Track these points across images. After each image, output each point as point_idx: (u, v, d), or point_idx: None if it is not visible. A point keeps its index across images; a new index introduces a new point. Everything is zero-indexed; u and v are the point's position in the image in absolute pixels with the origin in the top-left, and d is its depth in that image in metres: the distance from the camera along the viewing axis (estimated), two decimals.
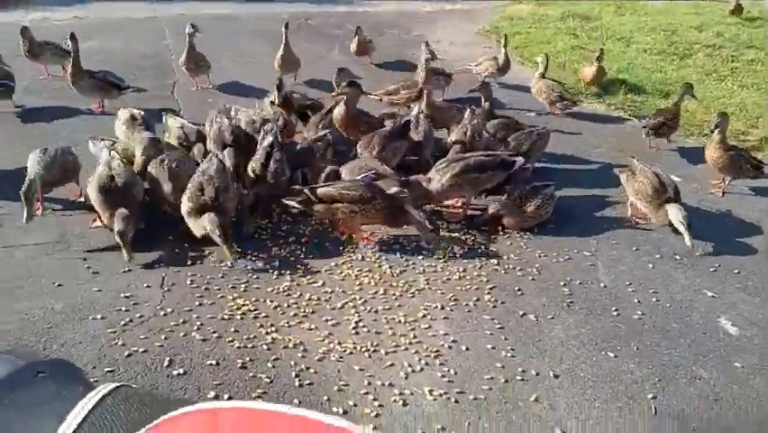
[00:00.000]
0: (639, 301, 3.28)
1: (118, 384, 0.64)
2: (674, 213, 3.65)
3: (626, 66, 7.07)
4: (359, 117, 4.56)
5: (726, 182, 4.51)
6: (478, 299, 3.22)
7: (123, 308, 3.00)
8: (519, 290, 3.32)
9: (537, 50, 7.64)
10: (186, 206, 3.42)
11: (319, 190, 3.62)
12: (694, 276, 3.52)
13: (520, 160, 4.06)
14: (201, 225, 3.33)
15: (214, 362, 2.70)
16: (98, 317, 2.94)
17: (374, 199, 3.52)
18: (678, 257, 3.68)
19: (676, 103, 5.23)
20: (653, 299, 3.30)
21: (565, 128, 5.54)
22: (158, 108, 5.09)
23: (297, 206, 3.67)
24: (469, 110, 4.63)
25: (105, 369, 2.62)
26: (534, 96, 5.82)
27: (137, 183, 3.61)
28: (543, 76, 5.84)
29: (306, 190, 3.64)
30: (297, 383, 2.61)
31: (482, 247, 3.70)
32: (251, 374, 2.65)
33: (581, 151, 5.12)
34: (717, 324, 3.14)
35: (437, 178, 3.87)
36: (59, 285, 3.15)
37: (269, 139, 3.93)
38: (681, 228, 3.59)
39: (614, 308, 3.21)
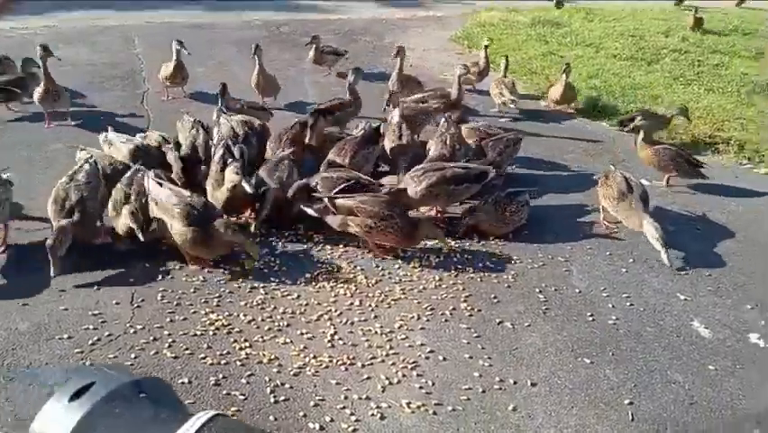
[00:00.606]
0: (613, 306, 3.30)
1: (214, 413, 0.63)
2: (651, 231, 3.64)
3: (595, 71, 7.17)
4: (326, 142, 4.48)
5: (666, 179, 4.61)
6: (454, 308, 3.20)
7: (91, 327, 2.91)
8: (495, 297, 3.31)
9: (511, 59, 7.73)
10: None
11: (338, 201, 3.58)
12: (666, 280, 3.55)
13: (492, 171, 4.06)
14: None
15: (186, 380, 2.62)
16: (65, 336, 2.84)
17: (392, 218, 3.47)
18: (650, 261, 3.71)
19: (669, 117, 5.37)
20: (628, 304, 3.32)
21: (537, 132, 5.59)
22: (125, 117, 4.99)
23: (314, 213, 3.63)
24: (444, 118, 4.62)
25: None
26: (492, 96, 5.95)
27: (94, 198, 3.49)
28: (504, 77, 5.98)
29: (325, 199, 3.60)
30: (272, 399, 2.55)
31: (457, 255, 3.68)
32: (224, 392, 2.58)
33: (553, 156, 5.16)
34: (690, 327, 3.17)
35: (412, 185, 3.85)
36: (23, 304, 3.04)
37: (220, 152, 3.88)
38: (658, 246, 3.59)
39: (589, 314, 3.22)
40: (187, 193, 3.47)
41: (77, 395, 0.64)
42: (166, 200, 3.37)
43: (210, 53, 7.42)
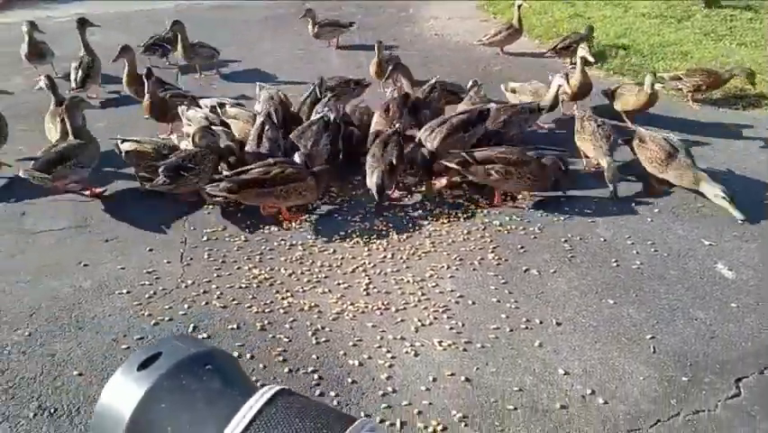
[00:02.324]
0: (638, 252, 3.42)
1: (279, 388, 0.63)
2: (711, 191, 3.65)
3: (623, 31, 7.13)
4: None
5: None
6: (482, 258, 3.38)
7: (147, 283, 3.19)
8: (522, 247, 3.48)
9: (536, 21, 7.75)
10: None
11: (477, 153, 3.82)
12: (692, 227, 3.65)
13: (492, 106, 4.24)
14: None
15: (234, 326, 2.88)
16: (124, 291, 3.13)
17: (529, 164, 3.74)
18: (676, 210, 3.81)
19: (725, 75, 5.19)
20: (652, 250, 3.44)
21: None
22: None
23: (454, 166, 3.84)
24: (472, 82, 4.79)
25: (135, 337, 2.82)
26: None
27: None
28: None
29: (463, 153, 3.83)
30: (314, 341, 2.79)
31: (485, 211, 3.85)
32: (270, 336, 2.83)
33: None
34: (713, 269, 3.27)
35: (428, 143, 4.02)
36: (84, 265, 3.34)
37: (261, 119, 4.09)
38: (724, 203, 3.61)
39: (613, 260, 3.36)
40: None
41: (143, 366, 0.64)
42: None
43: (239, 32, 7.64)
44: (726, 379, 2.58)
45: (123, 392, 0.64)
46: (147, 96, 4.55)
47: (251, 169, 3.64)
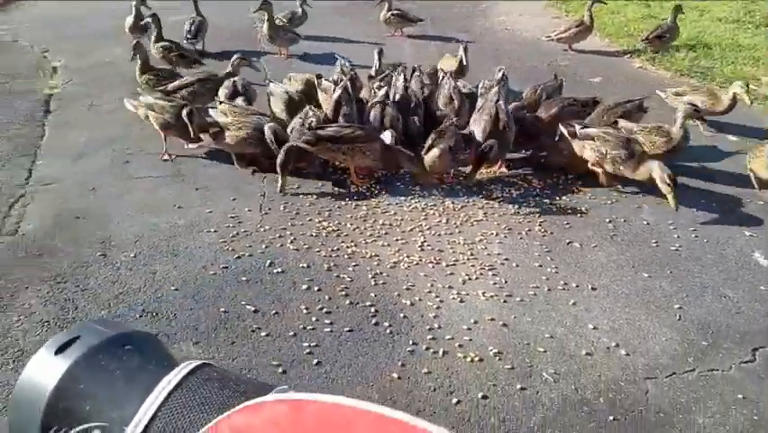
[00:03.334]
0: (678, 237, 3.71)
1: (201, 362, 0.66)
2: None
3: (696, 33, 7.24)
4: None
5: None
6: (529, 230, 3.75)
7: (231, 225, 3.74)
8: (568, 224, 3.82)
9: (608, 20, 7.94)
10: None
11: (581, 130, 4.19)
12: (736, 219, 3.88)
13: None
14: None
15: (305, 265, 3.38)
16: (212, 230, 3.69)
17: (625, 148, 3.98)
18: (723, 204, 4.04)
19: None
20: (692, 236, 3.71)
21: (630, 95, 5.87)
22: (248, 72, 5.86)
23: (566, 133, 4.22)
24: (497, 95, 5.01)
25: (221, 266, 3.36)
26: None
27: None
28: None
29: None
30: (372, 283, 3.26)
31: (537, 190, 4.20)
32: (335, 275, 3.32)
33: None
34: (750, 257, 3.52)
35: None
36: (179, 207, 3.93)
37: (339, 92, 4.55)
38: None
39: (653, 241, 3.66)
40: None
41: (62, 349, 0.65)
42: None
43: (317, 16, 8.20)
44: (744, 347, 2.87)
45: (40, 376, 0.65)
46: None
47: (329, 127, 4.15)
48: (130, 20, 6.44)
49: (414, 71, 5.18)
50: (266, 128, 4.19)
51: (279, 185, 4.01)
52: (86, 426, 0.63)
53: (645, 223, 3.84)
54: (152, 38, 5.99)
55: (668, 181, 3.76)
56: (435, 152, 4.07)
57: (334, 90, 4.62)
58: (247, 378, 0.67)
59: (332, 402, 0.57)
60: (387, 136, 4.25)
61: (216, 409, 0.60)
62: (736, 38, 7.17)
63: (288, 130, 4.36)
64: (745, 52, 6.70)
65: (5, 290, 3.12)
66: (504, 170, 4.42)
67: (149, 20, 6.21)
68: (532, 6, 8.95)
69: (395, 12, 7.33)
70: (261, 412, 0.58)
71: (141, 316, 2.98)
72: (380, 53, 5.42)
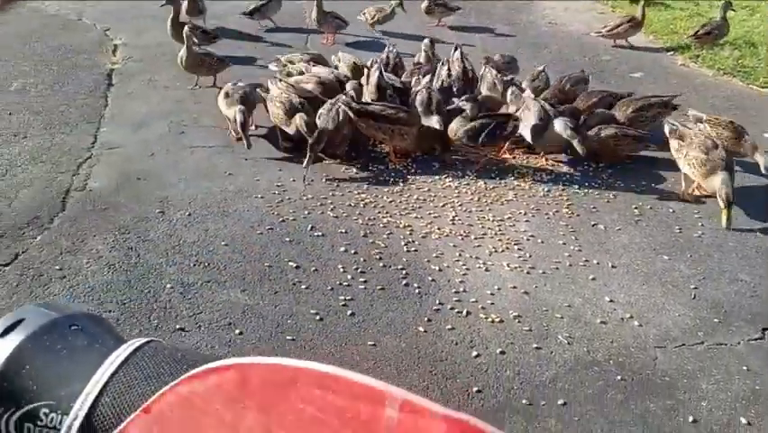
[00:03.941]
0: (702, 225, 3.88)
1: (149, 339, 0.67)
2: None
3: (743, 33, 7.26)
4: None
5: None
6: (557, 211, 3.98)
7: (276, 192, 4.08)
8: (594, 207, 4.04)
9: (654, 17, 8.01)
10: None
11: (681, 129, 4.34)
12: (763, 212, 4.03)
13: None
14: None
15: (343, 230, 3.70)
16: (259, 196, 4.04)
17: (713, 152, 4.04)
18: (752, 196, 4.18)
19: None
20: (716, 225, 3.88)
21: (669, 91, 6.00)
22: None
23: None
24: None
25: (267, 227, 3.70)
26: None
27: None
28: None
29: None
30: (404, 249, 3.55)
31: (567, 175, 4.42)
32: (370, 241, 3.62)
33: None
34: None
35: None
36: (229, 174, 4.29)
37: (375, 74, 4.83)
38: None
39: (677, 227, 3.84)
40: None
41: (6, 332, 0.66)
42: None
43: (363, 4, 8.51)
44: (754, 326, 3.06)
45: None
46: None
47: (375, 104, 4.46)
48: (185, 3, 6.86)
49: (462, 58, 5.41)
50: (297, 116, 4.44)
51: (306, 162, 4.20)
52: (31, 406, 0.63)
53: (671, 211, 4.03)
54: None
55: (724, 198, 3.75)
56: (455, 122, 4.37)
57: (369, 75, 4.91)
58: (195, 351, 0.73)
59: (275, 363, 0.59)
60: (434, 121, 4.52)
61: (163, 382, 0.61)
62: None
63: (318, 115, 4.50)
64: None
65: (76, 236, 3.54)
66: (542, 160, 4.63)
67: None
68: (577, 2, 9.06)
69: (438, 1, 7.56)
70: (206, 379, 0.60)
71: (194, 265, 3.35)
72: (432, 43, 5.62)
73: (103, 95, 5.50)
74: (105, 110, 5.21)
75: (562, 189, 4.24)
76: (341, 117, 4.34)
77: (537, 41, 7.33)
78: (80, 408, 0.61)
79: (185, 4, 6.80)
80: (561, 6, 8.77)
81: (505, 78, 5.12)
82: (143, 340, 0.67)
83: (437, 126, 4.46)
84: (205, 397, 0.59)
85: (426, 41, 5.70)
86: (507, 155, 4.63)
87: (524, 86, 5.04)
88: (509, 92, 4.75)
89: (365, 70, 5.17)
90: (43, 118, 4.99)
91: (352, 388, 0.56)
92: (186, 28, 5.61)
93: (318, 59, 5.62)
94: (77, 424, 0.61)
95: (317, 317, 3.02)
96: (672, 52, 7.02)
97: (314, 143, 4.23)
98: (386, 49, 5.72)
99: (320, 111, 4.53)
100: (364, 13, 7.12)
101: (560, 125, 4.29)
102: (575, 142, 4.25)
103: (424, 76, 5.05)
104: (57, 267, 3.28)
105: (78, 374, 0.64)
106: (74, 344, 0.67)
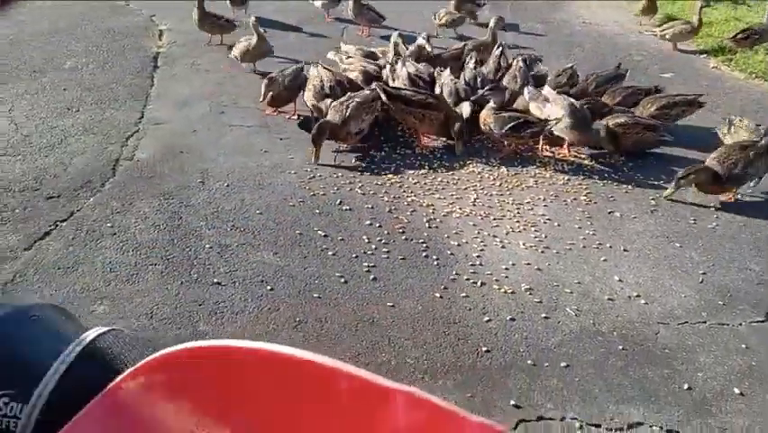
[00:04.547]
0: (717, 217, 4.06)
1: (109, 328, 0.70)
2: None
3: None
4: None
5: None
6: (575, 198, 4.20)
7: (308, 170, 4.38)
8: (612, 197, 4.24)
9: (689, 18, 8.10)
10: None
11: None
12: None
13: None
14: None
15: (370, 205, 3.98)
16: (292, 172, 4.35)
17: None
18: None
19: None
20: (731, 217, 4.05)
21: (699, 92, 6.13)
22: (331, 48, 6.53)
23: None
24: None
25: (299, 200, 4.01)
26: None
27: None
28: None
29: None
30: (427, 225, 3.82)
31: (588, 166, 4.63)
32: (395, 216, 3.90)
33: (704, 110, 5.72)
34: None
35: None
36: (265, 151, 4.62)
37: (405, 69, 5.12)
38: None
39: (692, 218, 4.03)
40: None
41: None
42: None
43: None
44: (757, 310, 3.24)
45: None
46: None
47: (406, 89, 4.75)
48: None
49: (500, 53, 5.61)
50: (324, 101, 4.72)
51: (313, 157, 4.41)
52: None
53: (688, 203, 4.21)
54: None
55: None
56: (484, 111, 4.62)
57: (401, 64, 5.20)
58: (155, 339, 0.90)
59: (226, 345, 0.62)
60: (465, 108, 4.77)
61: (121, 369, 0.64)
62: None
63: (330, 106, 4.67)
64: None
65: (125, 199, 3.90)
66: (564, 151, 4.84)
67: None
68: (612, 2, 9.19)
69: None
70: (162, 366, 0.63)
71: (231, 229, 3.67)
72: (428, 39, 5.91)
73: (149, 75, 5.90)
74: (151, 90, 5.60)
75: (582, 179, 4.46)
76: (349, 112, 4.50)
77: (570, 40, 7.52)
78: (39, 396, 0.63)
79: None
80: (596, 5, 8.92)
81: (531, 72, 5.35)
82: (104, 329, 0.71)
83: (467, 113, 4.71)
84: (159, 383, 0.62)
85: (395, 34, 5.91)
86: (546, 152, 4.80)
87: (547, 81, 5.23)
88: (526, 91, 4.94)
89: (398, 59, 5.47)
90: (94, 95, 5.40)
91: (300, 367, 0.60)
92: None
93: (371, 56, 5.87)
94: (36, 412, 0.63)
95: (342, 280, 3.31)
96: (704, 55, 7.13)
97: (314, 136, 4.43)
98: (417, 40, 5.98)
99: (332, 103, 4.63)
100: (437, 13, 7.34)
101: (595, 125, 4.54)
102: (606, 143, 4.51)
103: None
104: (108, 224, 3.64)
105: (37, 364, 0.65)
106: (33, 333, 0.69)
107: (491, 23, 6.03)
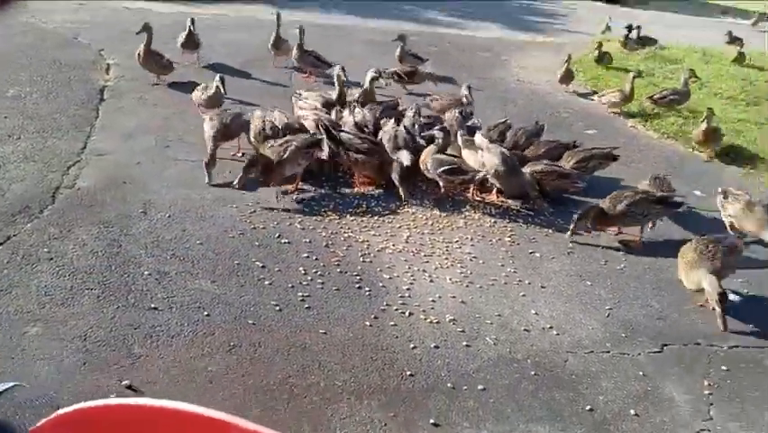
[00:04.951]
0: (626, 260, 4.49)
1: None
2: None
3: (689, 105, 8.12)
4: None
5: None
6: (500, 239, 4.56)
7: (250, 204, 4.58)
8: (534, 239, 4.62)
9: (612, 83, 8.88)
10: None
11: None
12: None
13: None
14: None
15: (308, 240, 4.21)
16: (234, 206, 4.53)
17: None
18: (670, 242, 4.81)
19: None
20: (638, 259, 4.49)
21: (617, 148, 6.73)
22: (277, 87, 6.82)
23: None
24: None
25: (239, 232, 4.19)
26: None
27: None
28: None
29: None
30: (361, 260, 4.06)
31: (514, 211, 5.02)
32: (331, 250, 4.13)
33: (620, 164, 6.29)
34: (682, 283, 4.27)
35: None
36: (208, 185, 4.79)
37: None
38: None
39: (603, 260, 4.44)
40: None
41: None
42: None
43: (343, 49, 9.25)
44: (656, 342, 3.62)
45: None
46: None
47: (347, 133, 5.10)
48: (181, 38, 7.43)
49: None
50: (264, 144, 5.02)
51: (236, 181, 4.69)
52: None
53: (601, 247, 4.63)
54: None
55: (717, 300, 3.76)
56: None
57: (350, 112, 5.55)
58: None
59: (114, 404, 0.69)
60: (404, 156, 5.08)
61: None
62: (726, 112, 8.05)
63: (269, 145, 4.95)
64: (730, 125, 7.56)
65: (64, 226, 3.98)
66: (493, 197, 5.23)
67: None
68: (549, 63, 9.94)
69: (409, 51, 8.22)
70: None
71: (170, 258, 3.81)
72: (374, 79, 6.30)
73: (95, 108, 6.01)
74: (95, 121, 5.71)
75: (508, 222, 4.83)
76: (286, 154, 4.77)
77: (505, 96, 8.09)
78: None
79: (181, 37, 7.41)
80: (532, 66, 9.63)
81: (467, 123, 5.78)
82: None
83: (406, 160, 5.02)
84: None
85: (338, 67, 6.26)
86: (476, 197, 5.17)
87: (481, 133, 5.63)
88: (459, 137, 5.34)
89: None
90: (36, 123, 5.47)
91: (192, 421, 0.66)
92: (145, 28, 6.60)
93: (328, 105, 6.10)
94: None
95: (277, 308, 3.49)
96: (623, 116, 7.82)
97: (246, 165, 4.74)
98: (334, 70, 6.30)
99: (271, 143, 4.91)
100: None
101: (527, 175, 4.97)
102: (535, 198, 4.94)
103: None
104: (45, 250, 3.72)
105: None
106: None
107: (336, 69, 6.28)
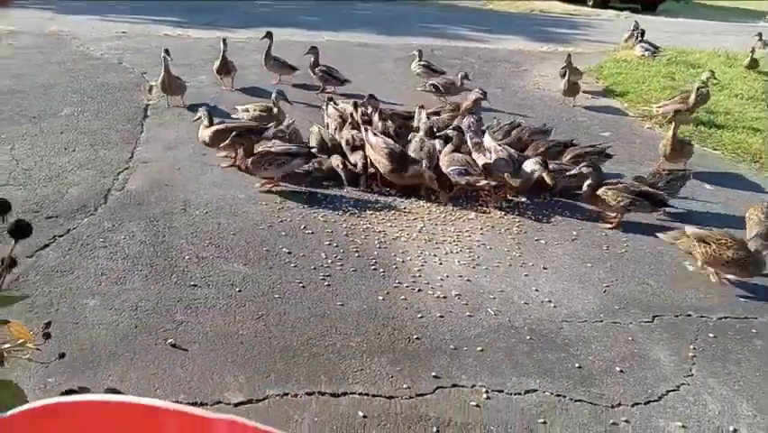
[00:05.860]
0: (627, 245, 4.85)
1: None
2: None
3: (707, 106, 8.41)
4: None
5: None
6: (507, 229, 4.99)
7: (278, 201, 5.14)
8: (540, 228, 5.04)
9: (631, 88, 9.23)
10: None
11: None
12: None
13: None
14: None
15: (329, 231, 4.73)
16: (263, 203, 5.10)
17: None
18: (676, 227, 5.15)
19: None
20: (639, 245, 4.85)
21: (631, 148, 7.09)
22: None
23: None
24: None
25: (268, 225, 4.74)
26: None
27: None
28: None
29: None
30: (377, 246, 4.55)
31: (524, 205, 5.45)
32: (350, 239, 4.64)
33: (635, 163, 6.65)
34: (681, 264, 4.62)
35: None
36: (240, 186, 5.38)
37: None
38: None
39: (605, 246, 4.82)
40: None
41: None
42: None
43: (373, 66, 9.87)
44: (647, 313, 3.98)
45: None
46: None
47: (378, 136, 5.65)
48: (218, 62, 8.14)
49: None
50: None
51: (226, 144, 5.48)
52: None
53: (604, 234, 5.01)
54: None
55: None
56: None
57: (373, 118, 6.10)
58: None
59: (48, 403, 0.70)
60: (425, 171, 5.54)
61: None
62: (744, 111, 8.30)
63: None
64: (747, 123, 7.81)
65: (116, 221, 4.60)
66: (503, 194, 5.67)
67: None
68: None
69: (423, 63, 8.72)
70: None
71: (207, 245, 4.38)
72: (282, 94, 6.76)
73: (139, 123, 6.72)
74: (140, 135, 6.40)
75: (517, 214, 5.26)
76: (265, 157, 5.34)
77: (522, 103, 8.54)
78: None
79: (216, 63, 8.08)
80: (551, 75, 10.05)
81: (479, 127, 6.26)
82: None
83: (428, 178, 5.45)
84: None
85: (274, 93, 6.70)
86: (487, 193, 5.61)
87: (486, 134, 6.08)
88: (469, 139, 5.79)
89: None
90: (89, 138, 6.19)
91: (128, 410, 0.67)
92: (163, 55, 7.16)
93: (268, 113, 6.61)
94: None
95: (301, 285, 4.00)
96: (641, 118, 8.16)
97: (235, 136, 5.48)
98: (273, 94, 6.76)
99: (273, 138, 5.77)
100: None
101: (530, 165, 5.37)
102: (545, 174, 5.32)
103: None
104: (101, 240, 4.33)
105: None
106: None
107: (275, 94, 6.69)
